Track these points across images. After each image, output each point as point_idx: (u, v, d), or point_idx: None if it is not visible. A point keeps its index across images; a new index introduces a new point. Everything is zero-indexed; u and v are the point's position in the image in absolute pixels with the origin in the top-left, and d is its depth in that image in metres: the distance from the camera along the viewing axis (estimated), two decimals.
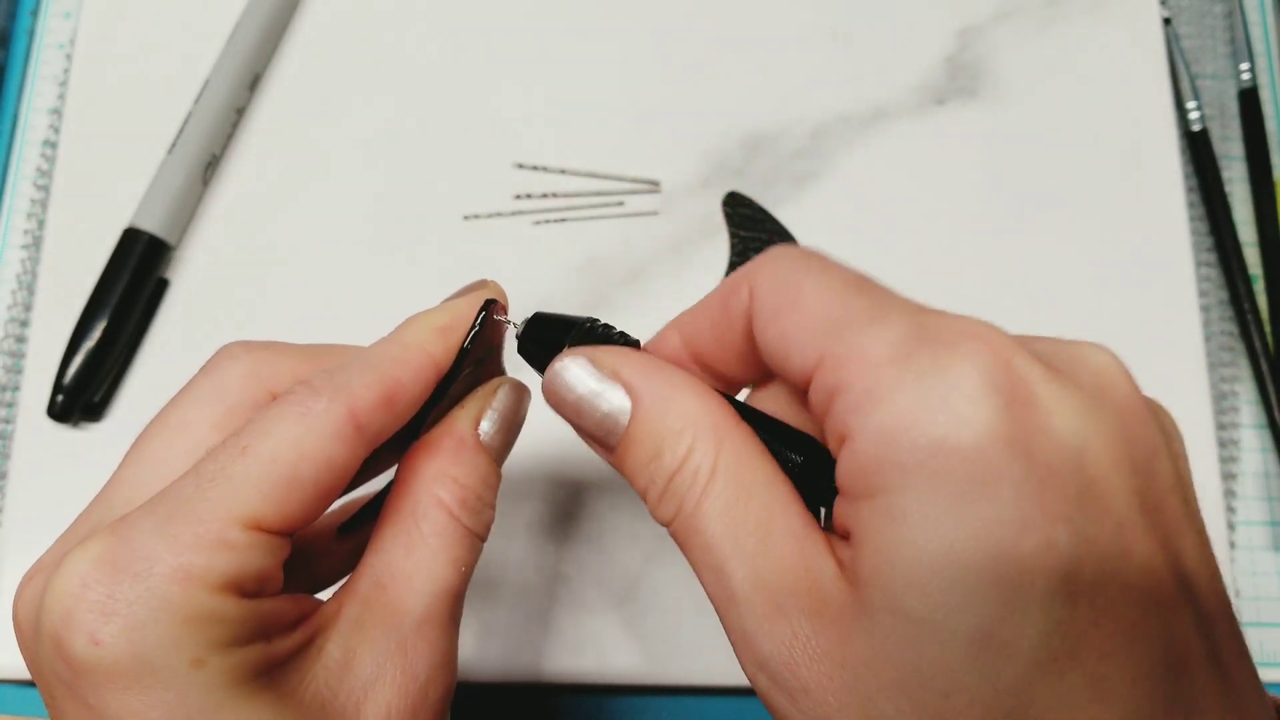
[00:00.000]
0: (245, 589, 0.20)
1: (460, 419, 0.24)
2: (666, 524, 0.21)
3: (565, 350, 0.22)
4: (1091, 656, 0.16)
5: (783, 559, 0.19)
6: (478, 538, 0.23)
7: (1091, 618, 0.16)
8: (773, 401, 0.23)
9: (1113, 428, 0.18)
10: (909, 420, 0.17)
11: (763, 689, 0.19)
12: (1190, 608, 0.17)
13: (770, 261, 0.21)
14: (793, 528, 0.19)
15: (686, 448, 0.20)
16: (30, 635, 0.20)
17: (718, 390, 0.21)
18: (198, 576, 0.19)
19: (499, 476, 0.24)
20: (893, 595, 0.17)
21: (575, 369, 0.22)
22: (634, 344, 0.23)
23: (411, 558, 0.22)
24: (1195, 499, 0.19)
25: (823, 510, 0.21)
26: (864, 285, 0.20)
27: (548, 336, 0.23)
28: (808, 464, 0.20)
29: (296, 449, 0.20)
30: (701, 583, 0.20)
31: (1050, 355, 0.18)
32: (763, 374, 0.23)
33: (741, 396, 0.23)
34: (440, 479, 0.23)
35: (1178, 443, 0.20)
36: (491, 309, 0.24)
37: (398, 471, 0.24)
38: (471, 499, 0.23)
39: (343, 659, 0.21)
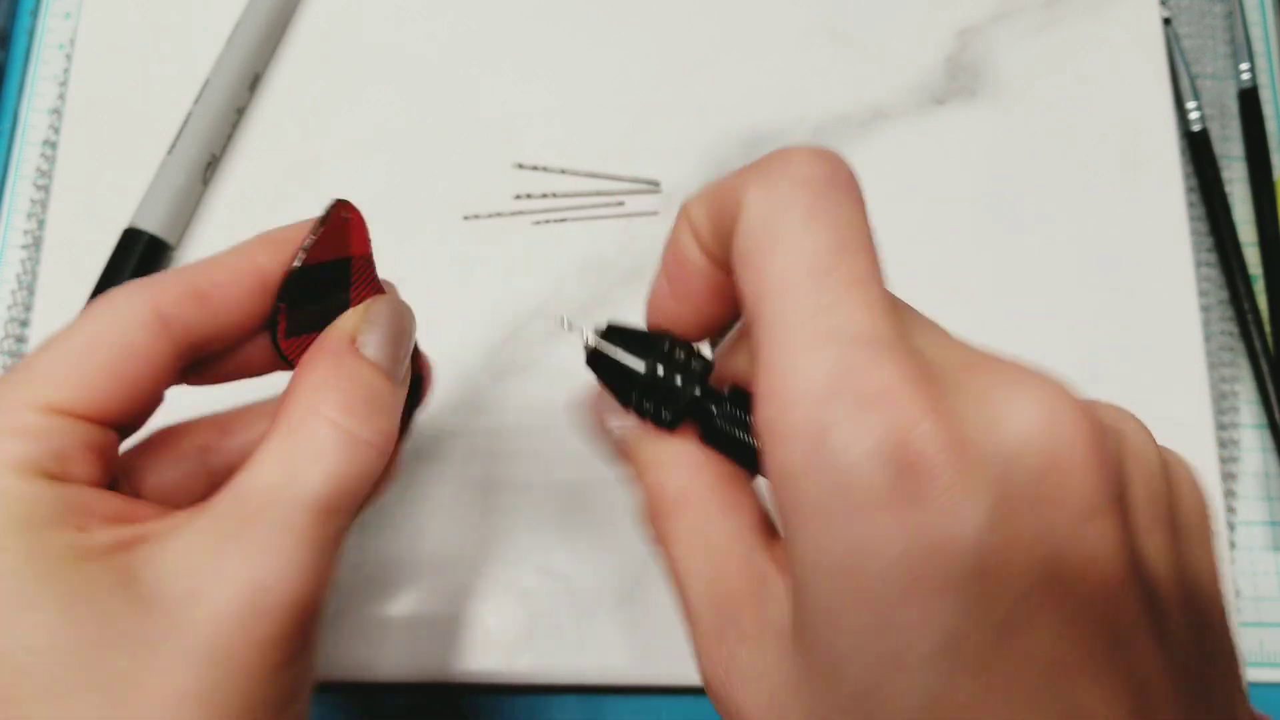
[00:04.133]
0: (48, 470, 0.20)
1: (331, 332, 0.24)
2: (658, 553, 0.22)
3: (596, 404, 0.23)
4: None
5: (732, 581, 0.19)
6: (369, 446, 0.22)
7: (974, 691, 0.16)
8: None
9: (1011, 516, 0.16)
10: (800, 469, 0.16)
11: (715, 707, 0.19)
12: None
13: (767, 179, 0.19)
14: (747, 552, 0.20)
15: (668, 493, 0.21)
16: None
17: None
18: None
19: (393, 390, 0.23)
20: (804, 624, 0.17)
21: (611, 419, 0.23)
22: (709, 366, 0.22)
23: (281, 468, 0.21)
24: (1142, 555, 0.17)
25: None
26: (834, 269, 0.17)
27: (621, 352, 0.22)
28: None
29: (93, 336, 0.21)
30: (681, 601, 0.21)
31: (969, 411, 0.17)
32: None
33: None
34: (320, 388, 0.22)
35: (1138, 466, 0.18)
36: (339, 207, 0.24)
37: (284, 391, 0.23)
38: (358, 405, 0.22)
39: (176, 564, 0.20)
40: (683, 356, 0.22)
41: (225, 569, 0.20)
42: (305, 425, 0.22)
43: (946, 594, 0.16)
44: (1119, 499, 0.17)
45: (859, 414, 0.16)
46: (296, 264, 0.24)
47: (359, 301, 0.25)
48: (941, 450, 0.16)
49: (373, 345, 0.24)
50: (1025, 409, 0.17)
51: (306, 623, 0.21)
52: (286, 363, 0.24)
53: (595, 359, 0.22)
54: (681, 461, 0.21)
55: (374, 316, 0.24)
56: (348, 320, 0.24)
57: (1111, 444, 0.17)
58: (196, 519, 0.21)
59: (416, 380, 0.27)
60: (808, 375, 0.17)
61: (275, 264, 0.24)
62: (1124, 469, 0.17)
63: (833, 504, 0.16)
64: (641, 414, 0.22)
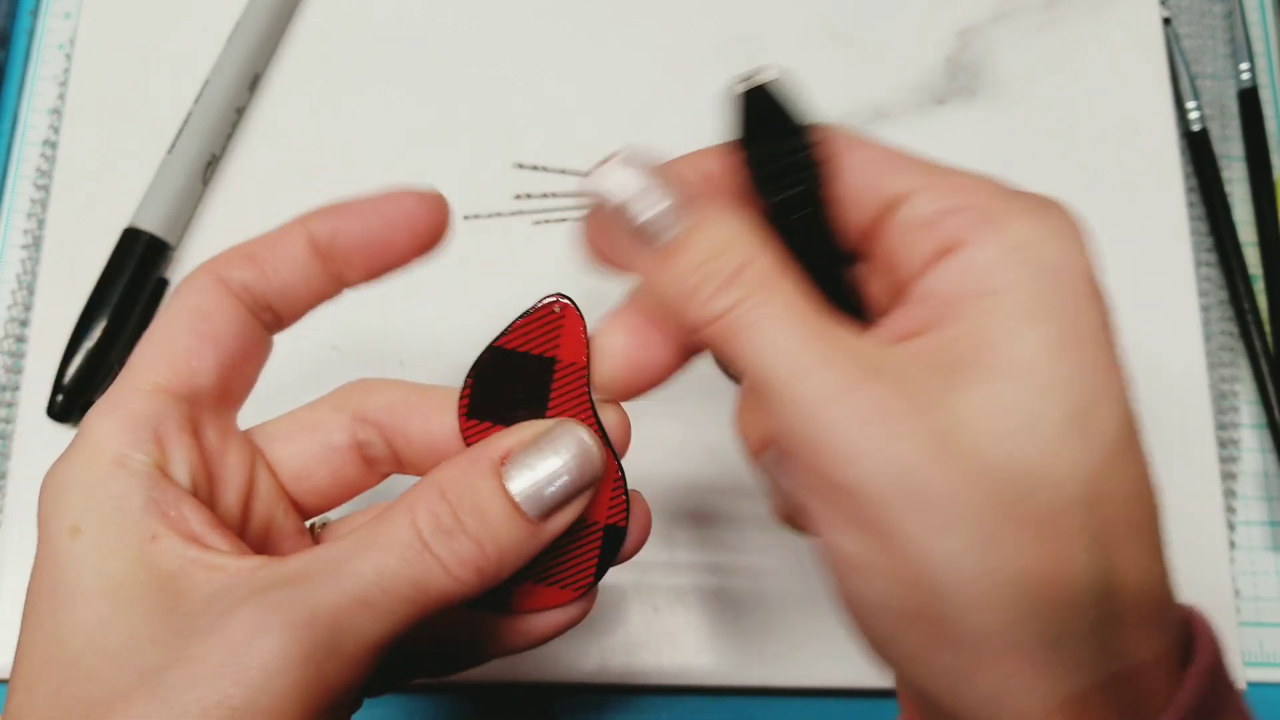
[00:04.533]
0: (147, 455, 0.22)
1: (491, 441, 0.23)
2: (721, 314, 0.20)
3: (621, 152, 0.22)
4: (1141, 451, 0.20)
5: (847, 358, 0.20)
6: (438, 564, 0.21)
7: (1136, 425, 0.20)
8: None
9: None
10: (1032, 241, 0.20)
11: (840, 465, 0.19)
12: None
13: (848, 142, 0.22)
14: (844, 337, 0.20)
15: (756, 247, 0.21)
16: None
17: None
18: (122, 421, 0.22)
19: (515, 528, 0.21)
20: (997, 372, 0.19)
21: (637, 164, 0.22)
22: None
23: (350, 548, 0.21)
24: None
25: None
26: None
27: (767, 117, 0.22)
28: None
29: (169, 315, 0.23)
30: (767, 371, 0.20)
31: None
32: None
33: None
34: (430, 488, 0.22)
35: None
36: (554, 303, 0.24)
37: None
38: (449, 521, 0.21)
39: (216, 613, 0.20)
40: (814, 144, 0.22)
41: (235, 633, 0.19)
42: (394, 516, 0.21)
43: (1112, 346, 0.21)
44: None
45: (1050, 204, 0.22)
46: (492, 342, 0.24)
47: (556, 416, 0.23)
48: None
49: (519, 477, 0.22)
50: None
51: (313, 708, 0.19)
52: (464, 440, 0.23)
53: (758, 97, 0.22)
54: (755, 240, 0.21)
55: (540, 445, 0.22)
56: (514, 436, 0.22)
57: None
58: (259, 571, 0.20)
59: (616, 533, 0.24)
60: (991, 182, 0.23)
61: (325, 229, 0.24)
62: None
63: (1056, 265, 0.20)
64: (761, 174, 0.22)
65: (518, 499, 0.22)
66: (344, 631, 0.20)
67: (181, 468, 0.22)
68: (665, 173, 0.22)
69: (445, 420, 0.24)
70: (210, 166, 0.41)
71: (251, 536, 0.24)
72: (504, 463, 0.22)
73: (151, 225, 0.39)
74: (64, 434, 0.39)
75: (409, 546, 0.21)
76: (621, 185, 0.21)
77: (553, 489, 0.22)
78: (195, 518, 0.21)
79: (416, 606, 0.20)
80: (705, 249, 0.21)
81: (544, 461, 0.22)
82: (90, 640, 0.20)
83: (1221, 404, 0.40)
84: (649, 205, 0.21)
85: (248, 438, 0.25)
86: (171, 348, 0.23)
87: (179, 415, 0.22)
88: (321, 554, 0.21)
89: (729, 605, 0.36)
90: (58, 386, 0.38)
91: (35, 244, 0.42)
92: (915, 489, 0.19)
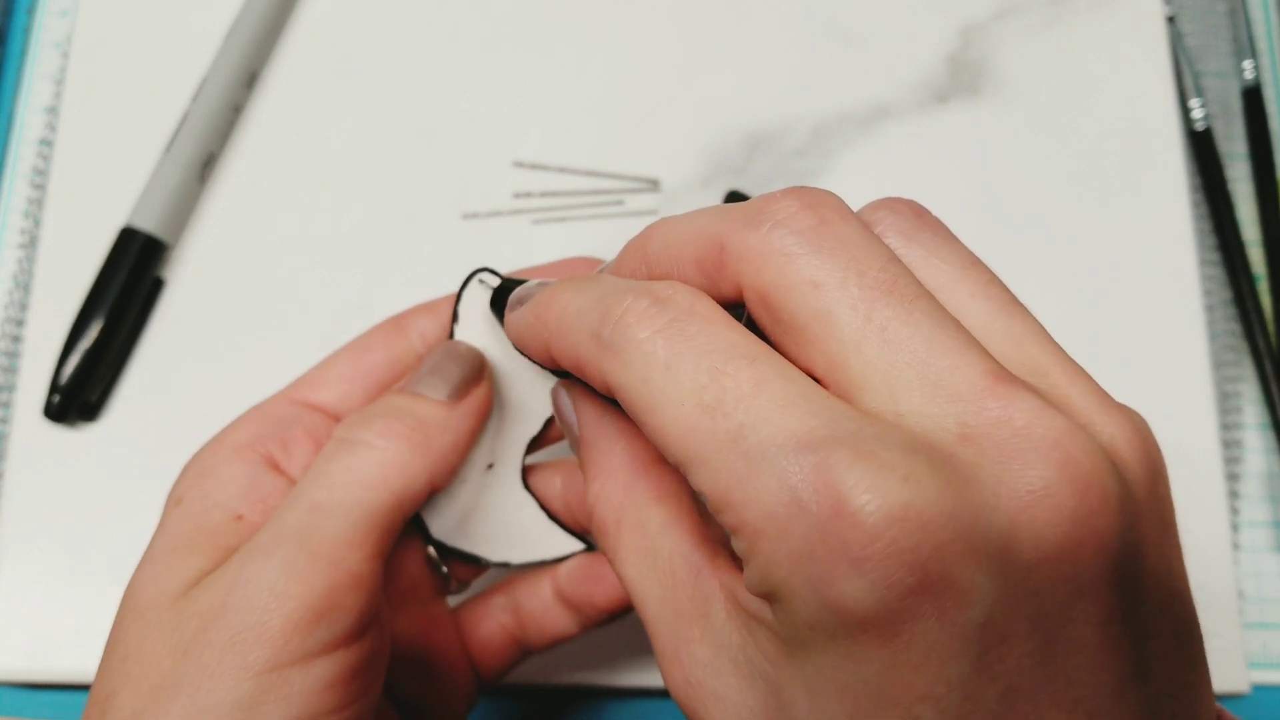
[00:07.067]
0: (267, 455, 0.25)
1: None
2: (611, 554, 0.21)
3: (560, 382, 0.23)
4: None
5: (681, 603, 0.19)
6: (361, 444, 0.23)
7: None
8: None
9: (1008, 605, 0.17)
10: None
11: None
12: None
13: (778, 260, 0.17)
14: (692, 572, 0.20)
15: (597, 492, 0.21)
16: None
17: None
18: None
19: (414, 403, 0.24)
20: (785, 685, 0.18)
21: (562, 399, 0.23)
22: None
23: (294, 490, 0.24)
24: None
25: None
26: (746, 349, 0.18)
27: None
28: None
29: (345, 346, 0.28)
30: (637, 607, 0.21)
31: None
32: None
33: None
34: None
35: None
36: (476, 275, 0.27)
37: None
38: (356, 419, 0.24)
39: (225, 577, 0.22)
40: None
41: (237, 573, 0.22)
42: (324, 450, 0.24)
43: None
44: (1121, 570, 0.16)
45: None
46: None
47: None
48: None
49: (410, 383, 0.25)
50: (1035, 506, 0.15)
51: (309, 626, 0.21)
52: None
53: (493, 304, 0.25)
54: (619, 472, 0.21)
55: (422, 364, 0.26)
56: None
57: (1118, 518, 0.16)
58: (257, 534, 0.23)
59: None
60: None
61: (406, 315, 0.28)
62: (1130, 531, 0.16)
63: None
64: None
65: (409, 391, 0.25)
66: (311, 536, 0.21)
67: (298, 468, 0.24)
68: (576, 396, 0.23)
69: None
70: (208, 165, 0.41)
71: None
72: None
73: (148, 224, 0.39)
74: (60, 434, 0.38)
75: (334, 448, 0.23)
76: (563, 410, 0.23)
77: (435, 375, 0.25)
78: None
79: (367, 489, 0.23)
80: (589, 497, 0.22)
81: (425, 367, 0.25)
82: (138, 592, 0.22)
83: (1225, 404, 0.40)
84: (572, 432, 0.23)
85: None
86: (325, 371, 0.26)
87: (310, 424, 0.25)
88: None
89: None
90: (54, 387, 0.38)
91: (31, 243, 0.41)
92: None
